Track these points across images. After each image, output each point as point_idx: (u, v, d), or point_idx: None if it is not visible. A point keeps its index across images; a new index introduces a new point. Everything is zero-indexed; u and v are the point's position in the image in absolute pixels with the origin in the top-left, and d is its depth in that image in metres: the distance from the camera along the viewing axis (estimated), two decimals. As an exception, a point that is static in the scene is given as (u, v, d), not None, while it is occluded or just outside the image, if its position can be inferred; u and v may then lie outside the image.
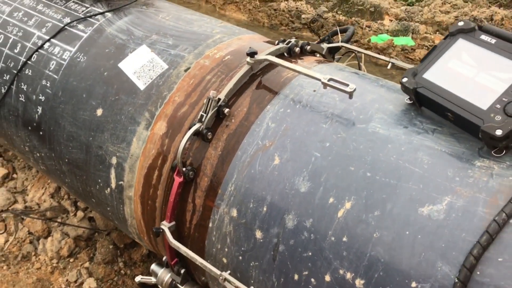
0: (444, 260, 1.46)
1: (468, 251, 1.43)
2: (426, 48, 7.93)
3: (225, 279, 1.78)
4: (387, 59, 2.16)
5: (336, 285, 1.62)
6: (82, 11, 2.56)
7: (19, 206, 3.32)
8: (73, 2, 2.63)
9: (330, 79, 1.81)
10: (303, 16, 9.02)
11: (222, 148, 1.93)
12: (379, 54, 8.95)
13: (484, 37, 1.74)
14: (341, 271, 1.61)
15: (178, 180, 1.94)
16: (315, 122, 1.83)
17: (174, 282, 2.16)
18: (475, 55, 1.73)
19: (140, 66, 2.22)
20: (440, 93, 1.69)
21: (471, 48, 1.74)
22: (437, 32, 8.80)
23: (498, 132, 1.52)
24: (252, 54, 2.01)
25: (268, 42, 2.36)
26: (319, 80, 1.82)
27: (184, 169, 1.92)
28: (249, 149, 1.88)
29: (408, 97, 1.86)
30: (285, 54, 2.17)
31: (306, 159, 1.76)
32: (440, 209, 1.52)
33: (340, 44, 2.48)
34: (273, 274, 1.77)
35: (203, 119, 1.93)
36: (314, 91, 1.94)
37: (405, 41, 8.29)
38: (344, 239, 1.61)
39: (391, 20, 9.18)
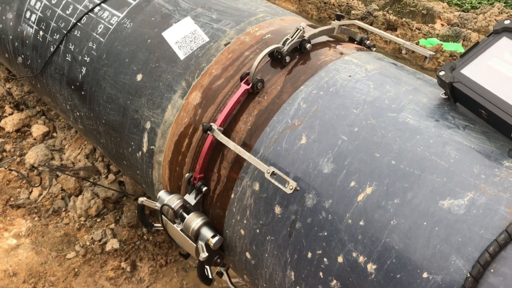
0: (458, 254, 1.46)
1: (485, 248, 1.42)
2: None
3: (272, 173, 1.74)
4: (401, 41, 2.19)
5: (348, 267, 1.63)
6: (134, -20, 2.64)
7: (56, 163, 3.47)
8: (126, -30, 2.71)
9: (411, 44, 2.14)
10: (352, 12, 8.91)
11: (252, 123, 1.97)
12: (425, 58, 8.80)
13: (529, 37, 1.70)
14: (354, 254, 1.62)
15: (244, 87, 1.96)
16: (346, 106, 1.84)
17: (180, 211, 2.09)
18: (517, 55, 1.69)
19: (182, 36, 2.28)
20: (476, 90, 1.67)
21: (515, 48, 1.71)
22: (490, 41, 8.49)
23: (530, 134, 1.49)
24: (339, 17, 2.16)
25: (310, 25, 2.37)
26: (401, 43, 2.16)
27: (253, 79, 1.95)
28: (278, 126, 1.91)
29: (444, 91, 1.85)
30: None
31: (333, 141, 1.78)
32: (461, 204, 1.51)
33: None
34: (288, 250, 1.80)
35: (287, 42, 1.99)
36: (350, 76, 1.95)
37: (455, 47, 8.06)
38: (361, 223, 1.62)
39: (442, 25, 8.94)
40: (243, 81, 1.97)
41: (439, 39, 8.34)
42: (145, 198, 2.18)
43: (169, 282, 2.96)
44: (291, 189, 1.69)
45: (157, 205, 2.14)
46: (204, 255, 1.96)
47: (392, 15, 8.89)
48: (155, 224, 2.34)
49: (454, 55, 7.78)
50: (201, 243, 2.01)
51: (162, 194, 2.17)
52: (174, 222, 2.11)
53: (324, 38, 2.19)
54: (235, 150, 1.89)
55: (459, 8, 10.16)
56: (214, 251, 2.04)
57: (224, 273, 2.38)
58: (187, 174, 2.08)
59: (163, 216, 2.14)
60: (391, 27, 8.59)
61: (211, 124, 1.95)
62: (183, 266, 3.07)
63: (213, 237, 2.01)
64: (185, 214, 2.07)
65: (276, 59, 2.03)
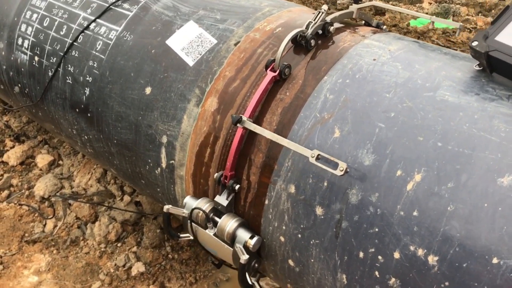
0: (529, 233, 1.34)
1: (558, 223, 1.31)
2: (468, 30, 7.61)
3: (318, 156, 1.62)
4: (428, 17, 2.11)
5: (406, 263, 1.52)
6: (127, -10, 2.52)
7: (67, 191, 3.34)
8: (118, -19, 2.59)
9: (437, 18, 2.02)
10: (338, 1, 8.81)
11: (277, 122, 1.85)
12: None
13: None
14: (411, 248, 1.50)
15: (271, 74, 1.86)
16: (377, 92, 1.73)
17: (211, 215, 1.94)
18: (555, 14, 1.59)
19: (188, 42, 2.16)
20: (517, 55, 1.56)
21: (551, 6, 1.60)
22: (480, 14, 8.45)
23: None
24: (356, 1, 2.00)
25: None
26: (427, 18, 2.11)
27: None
28: (306, 122, 1.79)
29: (477, 63, 1.74)
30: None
31: (370, 130, 1.66)
32: (523, 179, 1.40)
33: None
34: (336, 252, 1.68)
35: (310, 26, 1.91)
36: (374, 60, 1.83)
37: (446, 23, 7.98)
38: (415, 213, 1.50)
39: (430, 3, 8.87)
40: (269, 69, 1.87)
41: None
42: (170, 206, 2.04)
43: (202, 300, 2.84)
44: (342, 170, 1.57)
45: (184, 211, 2.01)
46: (245, 257, 1.83)
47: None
48: (181, 235, 2.20)
49: (446, 32, 7.70)
50: (239, 246, 1.88)
51: (188, 200, 2.04)
52: (205, 228, 1.98)
53: (338, 24, 2.08)
54: (272, 138, 1.77)
55: (445, -16, 10.09)
56: (252, 254, 1.91)
57: (256, 283, 2.24)
58: (217, 174, 1.94)
59: (192, 223, 2.01)
60: (379, 12, 8.49)
61: (241, 115, 1.83)
62: (213, 281, 2.95)
63: (251, 238, 1.88)
64: (217, 218, 1.94)
65: (299, 45, 1.92)
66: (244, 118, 1.82)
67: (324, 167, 1.61)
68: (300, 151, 1.68)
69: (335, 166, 1.59)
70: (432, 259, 1.47)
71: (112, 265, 2.96)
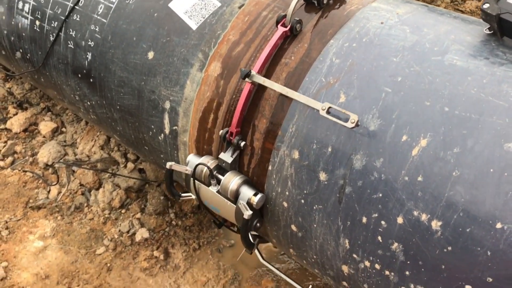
0: (535, 198, 1.33)
1: None
2: (477, -1, 7.45)
3: (329, 109, 1.62)
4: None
5: (410, 228, 1.51)
6: (128, -48, 2.45)
7: (70, 158, 3.34)
8: None
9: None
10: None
11: (282, 87, 1.82)
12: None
13: None
14: (415, 213, 1.50)
15: (282, 29, 1.84)
16: (384, 56, 1.69)
17: (215, 172, 1.93)
18: None
19: (191, 5, 2.12)
20: (529, 18, 1.52)
21: None
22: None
23: None
24: None
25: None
26: None
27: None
28: (312, 87, 1.76)
29: (488, 27, 1.70)
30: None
31: (376, 95, 1.63)
32: (530, 145, 1.38)
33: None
34: (339, 217, 1.68)
35: None
36: (382, 23, 1.79)
37: (454, -8, 7.80)
38: (419, 178, 1.49)
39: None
40: (280, 24, 1.84)
41: (436, -15, 8.07)
42: (173, 163, 2.03)
43: (206, 266, 2.87)
44: (353, 122, 1.56)
45: (188, 169, 2.00)
46: (248, 212, 1.83)
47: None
48: (182, 194, 2.20)
49: (455, 0, 7.52)
50: (242, 203, 1.87)
51: (192, 157, 2.03)
52: (208, 185, 1.98)
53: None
54: (282, 92, 1.76)
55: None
56: (255, 212, 1.90)
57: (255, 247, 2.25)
58: (222, 131, 1.91)
59: (195, 181, 2.01)
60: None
61: (250, 69, 1.80)
62: (217, 247, 2.98)
63: (255, 195, 1.87)
64: (220, 176, 1.93)
65: (310, 3, 1.89)
66: (253, 72, 1.79)
67: (334, 119, 1.60)
68: (310, 104, 1.66)
69: (345, 120, 1.58)
70: (435, 224, 1.47)
71: (116, 231, 2.99)
